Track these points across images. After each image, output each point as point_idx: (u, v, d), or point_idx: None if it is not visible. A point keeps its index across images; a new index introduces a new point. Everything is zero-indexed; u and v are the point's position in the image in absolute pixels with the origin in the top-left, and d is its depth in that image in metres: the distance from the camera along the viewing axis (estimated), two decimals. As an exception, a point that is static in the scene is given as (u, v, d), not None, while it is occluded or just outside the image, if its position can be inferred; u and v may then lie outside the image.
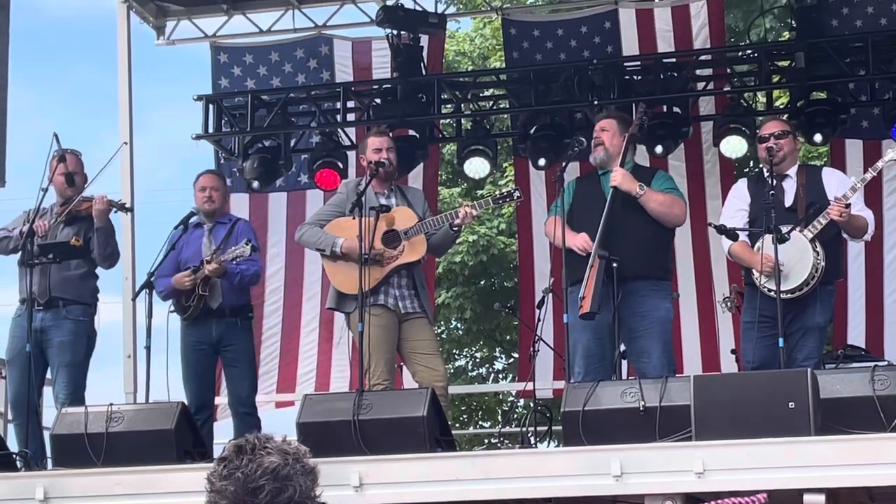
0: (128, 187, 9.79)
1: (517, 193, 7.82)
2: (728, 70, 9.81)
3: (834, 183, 7.28)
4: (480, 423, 18.79)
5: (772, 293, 7.01)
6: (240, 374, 7.99)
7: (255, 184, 10.10)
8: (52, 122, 39.44)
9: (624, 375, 7.28)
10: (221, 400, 8.98)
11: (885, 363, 7.41)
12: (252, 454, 2.74)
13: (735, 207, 7.44)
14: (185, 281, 7.79)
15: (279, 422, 10.00)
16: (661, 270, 7.38)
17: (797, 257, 7.02)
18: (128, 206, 8.23)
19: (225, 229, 8.08)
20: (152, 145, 35.45)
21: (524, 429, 8.38)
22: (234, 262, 7.72)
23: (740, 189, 7.56)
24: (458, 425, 17.36)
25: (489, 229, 17.26)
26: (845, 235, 7.38)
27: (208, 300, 7.85)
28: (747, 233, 7.25)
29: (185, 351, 7.94)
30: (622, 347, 7.22)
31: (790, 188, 7.30)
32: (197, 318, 7.87)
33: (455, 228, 7.66)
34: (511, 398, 18.12)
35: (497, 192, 8.10)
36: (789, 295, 6.99)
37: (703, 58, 9.88)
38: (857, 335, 9.71)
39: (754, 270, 7.18)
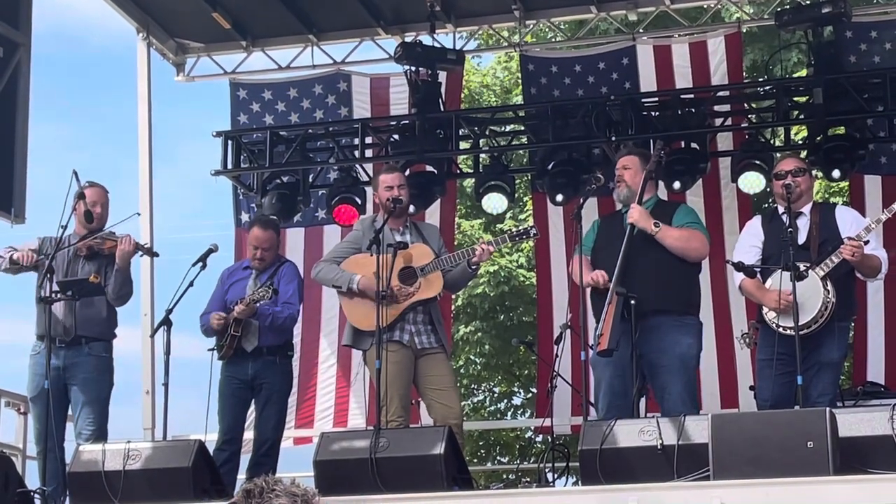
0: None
1: (534, 231, 7.87)
2: (746, 106, 9.78)
3: (848, 221, 7.26)
4: (498, 458, 18.70)
5: (779, 329, 7.02)
6: (265, 414, 7.97)
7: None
8: (86, 155, 39.37)
9: (643, 412, 7.26)
10: (250, 435, 9.02)
11: (905, 400, 7.36)
12: (260, 498, 2.77)
13: (748, 244, 7.43)
14: (215, 322, 7.87)
15: (298, 458, 9.96)
16: (682, 305, 7.34)
17: (808, 294, 6.98)
18: (154, 250, 8.21)
19: (269, 272, 8.10)
20: (182, 177, 35.43)
21: (542, 465, 8.36)
22: (261, 303, 7.74)
23: (754, 226, 7.56)
24: (475, 461, 17.29)
25: (509, 262, 17.26)
26: (858, 274, 7.35)
27: (242, 341, 7.89)
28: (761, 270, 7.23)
29: (220, 383, 7.99)
30: (639, 384, 7.20)
31: (803, 226, 7.28)
32: (232, 357, 7.91)
33: (473, 266, 7.67)
34: (529, 434, 18.07)
35: (514, 230, 8.12)
36: (799, 331, 6.95)
37: (720, 94, 9.86)
38: (876, 372, 9.65)
39: (765, 307, 7.17)
